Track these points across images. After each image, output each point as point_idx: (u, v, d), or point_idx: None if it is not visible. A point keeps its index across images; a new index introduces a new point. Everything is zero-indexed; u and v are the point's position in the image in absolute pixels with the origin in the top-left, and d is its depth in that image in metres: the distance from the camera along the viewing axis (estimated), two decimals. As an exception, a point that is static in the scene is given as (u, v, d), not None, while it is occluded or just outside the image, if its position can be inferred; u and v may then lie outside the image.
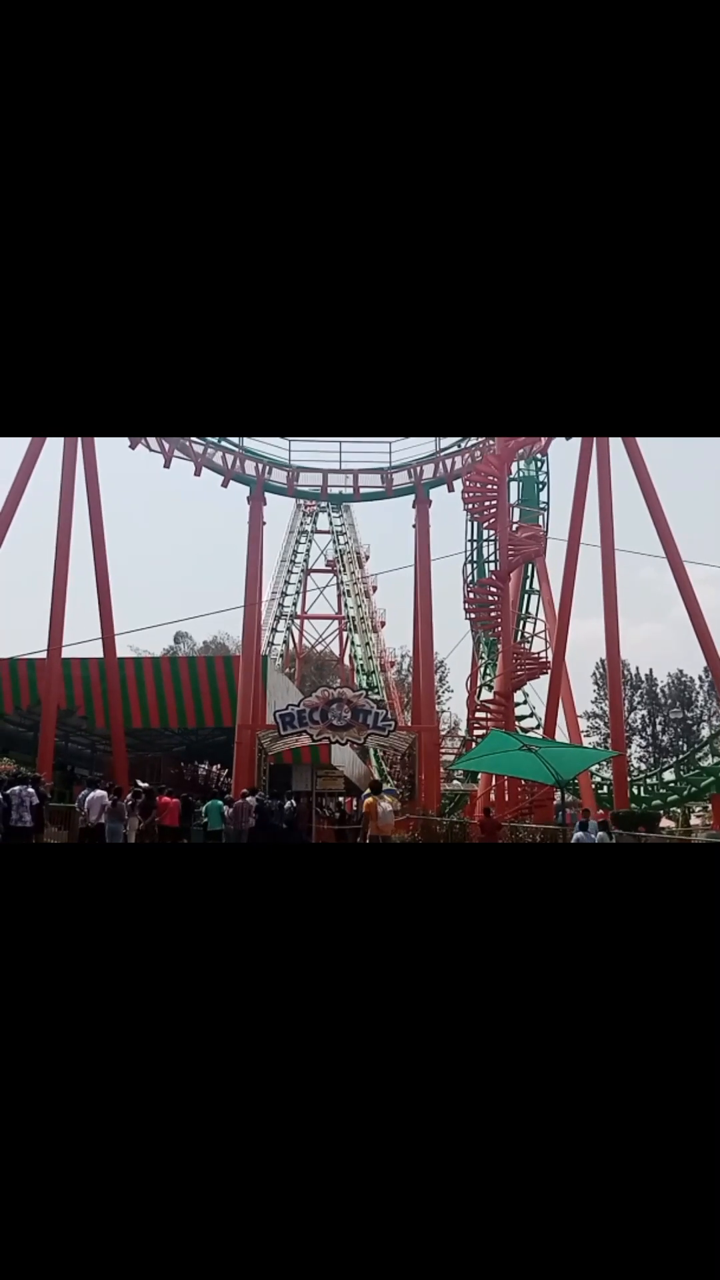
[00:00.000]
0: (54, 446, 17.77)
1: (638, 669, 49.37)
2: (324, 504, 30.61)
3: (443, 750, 23.61)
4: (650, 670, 50.08)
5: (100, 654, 19.10)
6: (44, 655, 17.88)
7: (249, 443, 20.51)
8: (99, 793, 12.12)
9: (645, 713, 49.65)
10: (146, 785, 17.47)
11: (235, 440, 20.29)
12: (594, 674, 45.51)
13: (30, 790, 10.53)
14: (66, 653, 18.19)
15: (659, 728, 49.39)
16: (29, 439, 17.51)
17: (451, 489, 20.18)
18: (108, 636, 18.90)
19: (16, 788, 10.56)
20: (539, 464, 23.73)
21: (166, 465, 19.63)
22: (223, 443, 20.20)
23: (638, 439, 17.56)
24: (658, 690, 50.05)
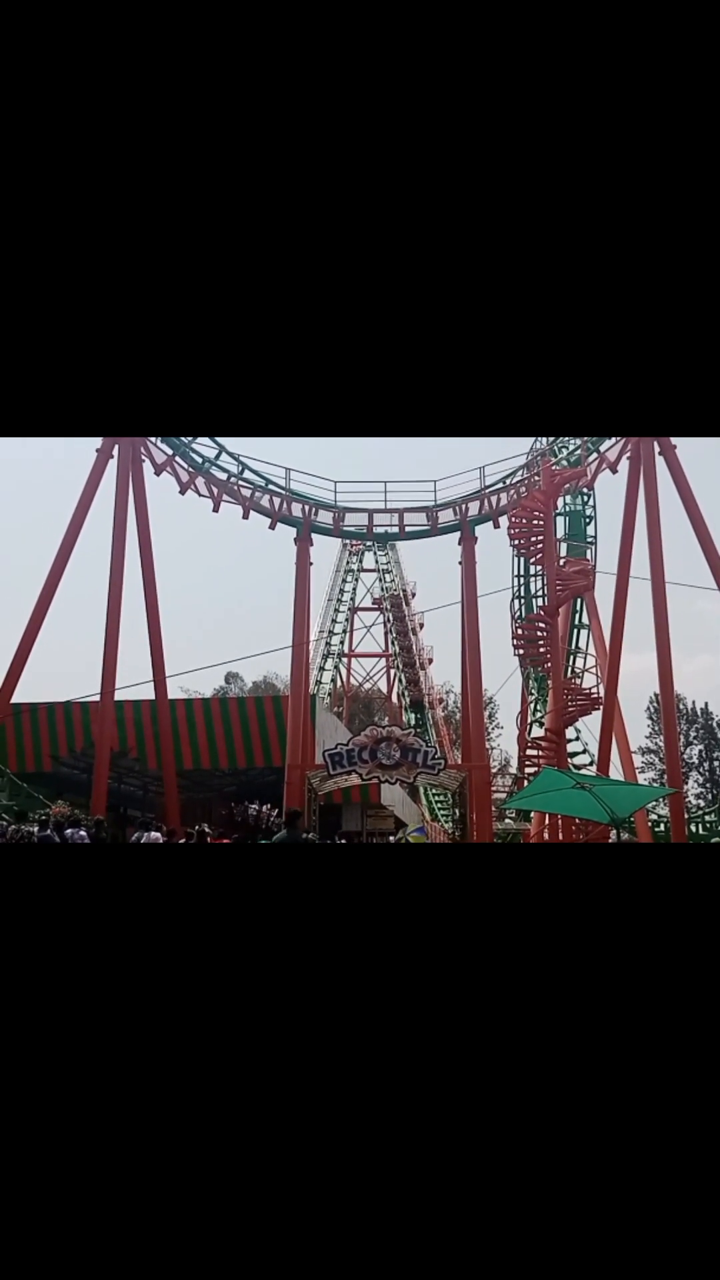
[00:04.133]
0: (106, 491, 18.25)
1: (694, 703, 48.27)
2: (370, 543, 30.80)
3: (494, 789, 23.29)
4: (706, 704, 48.93)
5: (152, 696, 19.34)
6: (97, 698, 18.17)
7: (296, 485, 20.82)
8: (154, 834, 12.23)
9: (702, 748, 48.44)
10: (207, 830, 17.43)
11: (282, 483, 20.60)
12: (648, 709, 44.62)
13: (82, 833, 10.73)
14: (119, 695, 18.47)
15: (717, 763, 48.09)
16: (81, 489, 18.00)
17: (497, 525, 20.17)
18: (159, 678, 19.15)
19: (69, 830, 10.78)
20: (585, 498, 23.59)
21: (215, 509, 19.99)
22: (270, 485, 20.53)
23: (686, 474, 17.40)
24: (714, 725, 48.83)
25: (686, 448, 18.10)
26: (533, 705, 25.03)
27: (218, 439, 20.03)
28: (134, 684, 19.31)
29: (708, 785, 46.69)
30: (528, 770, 19.49)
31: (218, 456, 20.12)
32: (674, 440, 17.82)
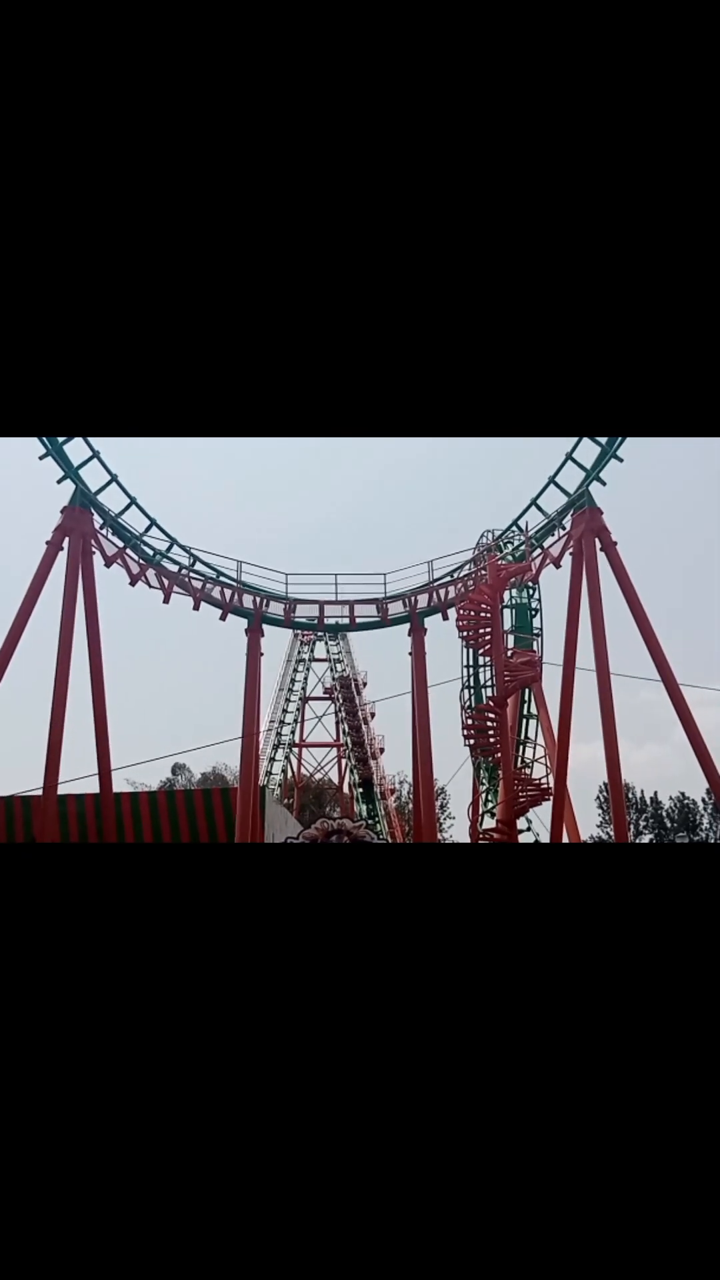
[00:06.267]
0: (55, 582, 18.16)
1: (642, 792, 48.65)
2: (321, 633, 31.00)
3: (446, 881, 22.91)
4: (655, 793, 49.34)
5: (97, 789, 18.86)
6: (40, 792, 17.65)
7: (247, 577, 21.01)
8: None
9: (652, 836, 48.56)
10: None
11: (233, 575, 20.78)
12: (598, 798, 44.82)
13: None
14: (62, 789, 17.97)
15: (667, 851, 48.13)
16: (28, 582, 17.90)
17: (446, 617, 20.51)
18: (104, 771, 18.72)
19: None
20: (530, 591, 24.17)
21: (166, 600, 20.01)
22: (221, 577, 20.67)
23: (628, 570, 18.01)
24: (663, 814, 49.15)
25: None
26: (484, 795, 24.98)
27: (169, 533, 20.23)
28: (78, 777, 18.84)
29: (659, 874, 46.60)
30: (480, 862, 19.28)
31: (169, 549, 20.26)
32: (614, 536, 18.50)
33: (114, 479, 18.91)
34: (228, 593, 20.58)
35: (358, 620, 21.57)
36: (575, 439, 18.66)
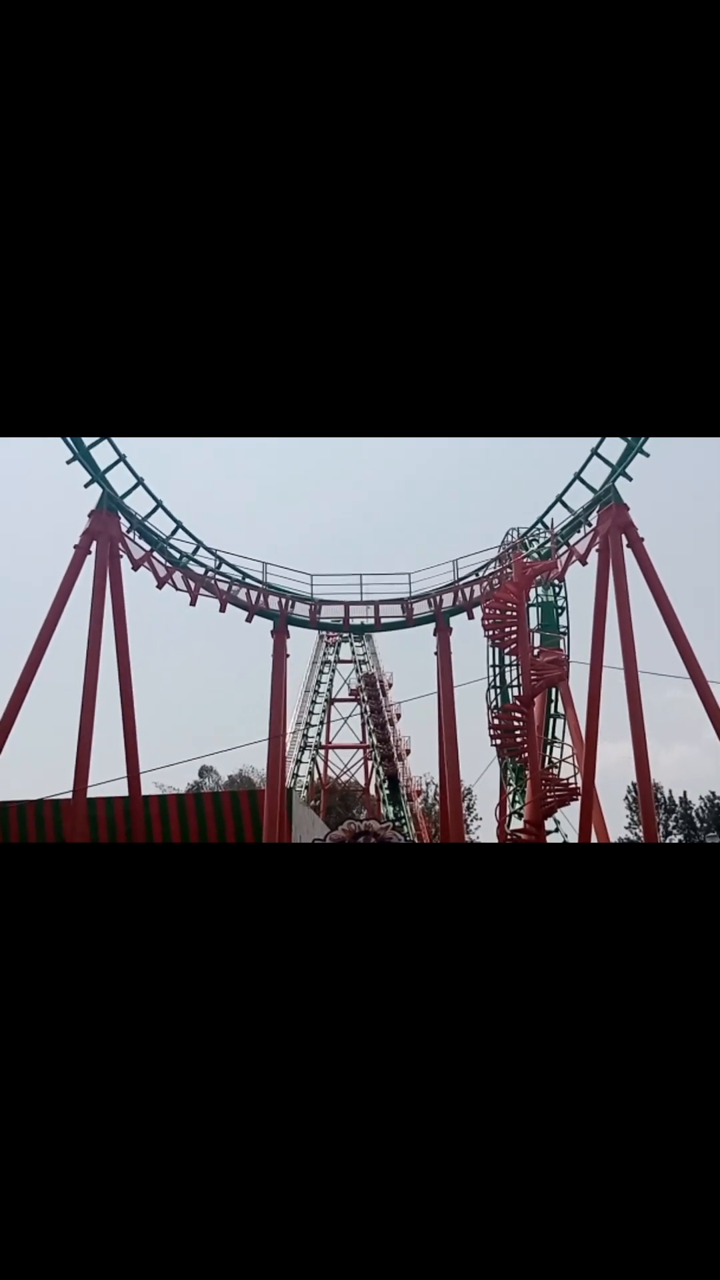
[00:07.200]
0: (82, 590, 18.30)
1: (670, 792, 48.15)
2: (346, 634, 31.02)
3: (475, 882, 22.77)
4: (684, 793, 48.82)
5: (125, 792, 18.99)
6: (69, 796, 17.80)
7: (272, 578, 21.05)
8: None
9: (681, 837, 48.05)
10: None
11: (259, 577, 20.84)
12: (626, 798, 44.45)
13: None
14: (92, 792, 18.11)
15: (698, 852, 47.62)
16: (56, 587, 18.07)
17: (471, 616, 20.43)
18: (133, 775, 18.85)
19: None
20: (556, 589, 24.02)
21: (193, 603, 20.11)
22: (247, 579, 20.74)
23: (654, 566, 17.84)
24: (693, 814, 48.62)
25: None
26: (511, 796, 24.83)
27: (195, 535, 20.32)
28: (107, 780, 18.98)
29: (690, 875, 46.07)
30: (508, 863, 19.16)
31: (195, 551, 20.36)
32: (641, 533, 18.33)
33: (140, 482, 19.04)
34: (253, 594, 20.65)
35: (383, 620, 21.55)
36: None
